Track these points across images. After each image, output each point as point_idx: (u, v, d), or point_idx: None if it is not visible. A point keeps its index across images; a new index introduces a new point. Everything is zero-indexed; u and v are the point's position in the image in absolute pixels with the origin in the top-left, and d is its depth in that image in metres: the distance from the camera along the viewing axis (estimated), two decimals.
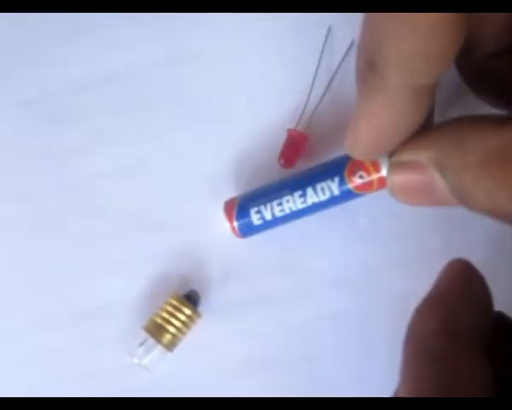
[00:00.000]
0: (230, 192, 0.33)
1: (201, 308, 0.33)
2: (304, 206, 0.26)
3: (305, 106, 0.32)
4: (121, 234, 0.34)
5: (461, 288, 0.21)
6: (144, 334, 0.32)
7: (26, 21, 0.34)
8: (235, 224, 0.28)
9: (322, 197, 0.26)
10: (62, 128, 0.34)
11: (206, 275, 0.33)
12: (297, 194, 0.26)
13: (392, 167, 0.22)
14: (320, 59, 0.33)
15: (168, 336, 0.32)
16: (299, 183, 0.27)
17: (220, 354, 0.33)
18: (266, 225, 0.27)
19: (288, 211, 0.27)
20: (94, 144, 0.34)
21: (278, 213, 0.27)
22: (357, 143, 0.21)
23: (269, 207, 0.27)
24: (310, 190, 0.26)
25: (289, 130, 0.32)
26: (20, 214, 0.34)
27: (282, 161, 0.32)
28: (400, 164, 0.22)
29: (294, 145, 0.32)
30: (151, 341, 0.31)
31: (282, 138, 0.32)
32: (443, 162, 0.20)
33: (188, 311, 0.32)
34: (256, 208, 0.27)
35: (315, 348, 0.33)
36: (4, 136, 0.34)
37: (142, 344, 0.32)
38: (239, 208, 0.27)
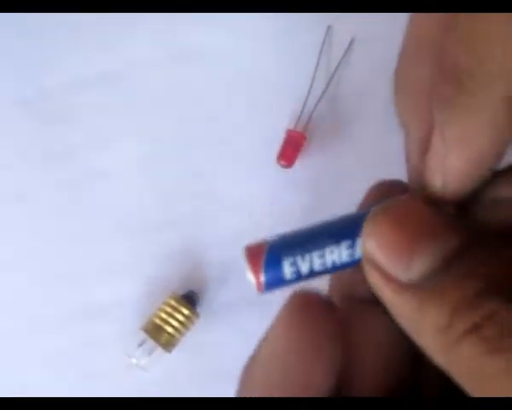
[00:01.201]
0: (230, 192, 0.33)
1: (200, 309, 0.33)
2: (349, 259, 0.21)
3: (304, 106, 0.32)
4: (120, 234, 0.34)
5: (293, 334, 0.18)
6: (143, 335, 0.32)
7: (25, 21, 0.34)
8: (263, 278, 0.21)
9: None
10: (62, 128, 0.34)
11: (205, 276, 0.33)
12: (345, 244, 0.21)
13: None
14: (319, 59, 0.32)
15: (166, 337, 0.31)
16: (348, 230, 0.21)
17: (218, 355, 0.33)
18: (298, 279, 0.21)
19: (329, 264, 0.21)
20: (94, 144, 0.34)
21: (317, 267, 0.21)
22: (447, 176, 0.17)
23: (307, 258, 0.21)
24: (361, 241, 0.21)
25: (288, 130, 0.32)
26: (19, 214, 0.34)
27: (281, 161, 0.32)
28: None
29: (293, 145, 0.32)
30: (149, 341, 0.31)
31: (280, 138, 0.32)
32: None
33: (186, 311, 0.32)
34: (291, 259, 0.21)
35: None
36: (4, 135, 0.34)
37: (140, 345, 0.32)
38: (269, 259, 0.21)
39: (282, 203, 0.33)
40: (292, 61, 0.33)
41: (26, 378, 0.34)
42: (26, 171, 0.34)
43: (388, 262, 0.16)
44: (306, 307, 0.19)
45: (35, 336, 0.34)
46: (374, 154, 0.33)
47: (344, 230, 0.21)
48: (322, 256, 0.21)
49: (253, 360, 0.18)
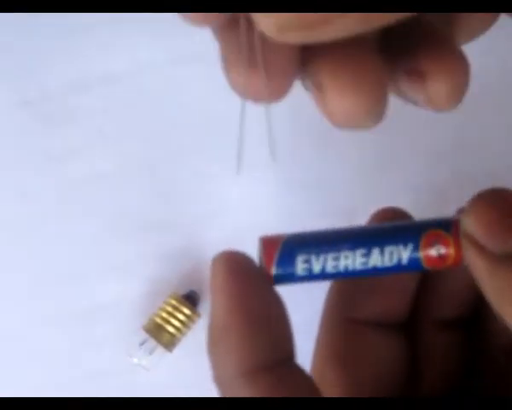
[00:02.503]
0: (230, 194, 0.33)
1: (201, 308, 0.33)
2: (362, 267, 0.21)
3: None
4: (121, 234, 0.34)
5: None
6: (144, 334, 0.32)
7: (25, 21, 0.34)
8: (274, 270, 0.21)
9: (388, 263, 0.21)
10: (62, 128, 0.34)
11: (206, 275, 0.33)
12: (360, 252, 0.21)
13: None
14: None
15: (168, 336, 0.32)
16: (366, 239, 0.22)
17: None
18: (309, 278, 0.22)
19: (341, 269, 0.22)
20: (94, 144, 0.34)
21: (330, 269, 0.21)
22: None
23: (322, 258, 0.21)
24: (376, 251, 0.21)
25: None
26: (20, 214, 0.34)
27: None
28: None
29: None
30: (151, 341, 0.31)
31: (281, 138, 0.32)
32: None
33: (187, 311, 0.32)
34: (305, 256, 0.21)
35: None
36: (4, 136, 0.34)
37: (141, 344, 0.32)
38: (283, 252, 0.21)
39: (283, 203, 0.33)
40: None
41: (25, 378, 0.34)
42: (26, 171, 0.34)
43: (486, 236, 0.18)
44: (233, 268, 0.19)
45: (35, 335, 0.34)
46: (375, 153, 0.33)
47: (361, 238, 0.21)
48: (337, 259, 0.21)
49: (212, 342, 0.19)
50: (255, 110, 0.33)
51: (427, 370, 0.23)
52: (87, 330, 0.34)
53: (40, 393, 0.33)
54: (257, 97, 0.18)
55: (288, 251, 0.21)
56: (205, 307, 0.33)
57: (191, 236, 0.33)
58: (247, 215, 0.34)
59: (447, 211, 0.32)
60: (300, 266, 0.21)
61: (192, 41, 0.34)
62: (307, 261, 0.21)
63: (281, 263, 0.21)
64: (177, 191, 0.34)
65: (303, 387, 0.18)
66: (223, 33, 0.17)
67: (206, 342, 0.19)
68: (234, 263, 0.19)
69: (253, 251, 0.33)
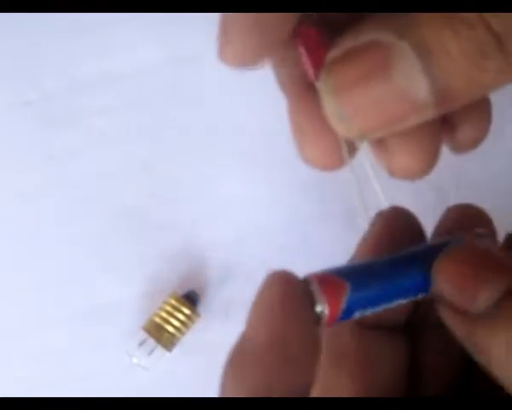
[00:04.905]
0: (230, 194, 0.33)
1: (200, 308, 0.33)
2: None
3: None
4: (121, 234, 0.34)
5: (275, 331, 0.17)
6: (144, 334, 0.32)
7: (26, 21, 0.34)
8: (337, 319, 0.21)
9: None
10: (62, 128, 0.34)
11: (206, 276, 0.33)
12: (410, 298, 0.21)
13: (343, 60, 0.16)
14: None
15: (167, 336, 0.32)
16: (416, 290, 0.21)
17: (219, 354, 0.33)
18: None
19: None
20: (94, 144, 0.34)
21: (379, 311, 0.21)
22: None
23: (377, 309, 0.21)
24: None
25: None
26: (20, 214, 0.34)
27: None
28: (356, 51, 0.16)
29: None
30: (150, 341, 0.31)
31: (281, 138, 0.32)
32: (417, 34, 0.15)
33: (187, 311, 0.32)
34: (362, 311, 0.21)
35: None
36: (4, 136, 0.34)
37: (141, 344, 0.32)
38: (348, 306, 0.21)
39: (284, 204, 0.33)
40: None
41: (25, 378, 0.34)
42: (27, 171, 0.34)
43: (456, 295, 0.17)
44: (288, 295, 0.18)
45: (35, 335, 0.34)
46: None
47: (413, 290, 0.21)
48: (389, 306, 0.21)
49: (234, 361, 0.18)
50: (257, 112, 0.33)
51: (427, 371, 0.23)
52: (87, 329, 0.34)
53: (40, 393, 0.33)
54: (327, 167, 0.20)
55: (351, 305, 0.21)
56: (204, 307, 0.33)
57: (191, 236, 0.33)
58: (246, 215, 0.34)
59: None
60: (358, 315, 0.21)
61: (192, 41, 0.34)
62: (362, 313, 0.21)
63: (344, 316, 0.21)
64: (177, 191, 0.34)
65: None
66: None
67: (227, 356, 0.18)
68: (287, 288, 0.18)
69: (253, 251, 0.33)
